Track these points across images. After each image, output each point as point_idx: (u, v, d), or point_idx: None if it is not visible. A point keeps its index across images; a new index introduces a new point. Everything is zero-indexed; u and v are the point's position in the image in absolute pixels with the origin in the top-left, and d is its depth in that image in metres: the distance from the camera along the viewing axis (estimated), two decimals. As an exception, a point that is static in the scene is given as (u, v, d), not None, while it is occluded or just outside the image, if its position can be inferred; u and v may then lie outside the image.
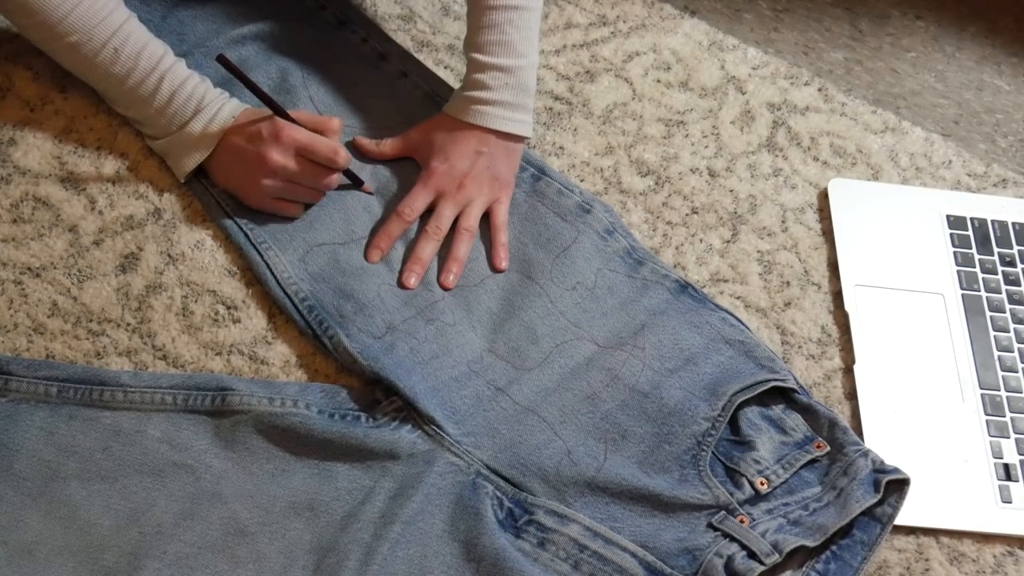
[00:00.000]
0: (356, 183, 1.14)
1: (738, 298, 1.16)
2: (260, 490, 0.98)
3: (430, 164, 1.13)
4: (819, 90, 1.32)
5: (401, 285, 1.09)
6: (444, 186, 1.12)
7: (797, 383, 1.06)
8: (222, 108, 1.08)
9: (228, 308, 1.08)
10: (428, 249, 1.11)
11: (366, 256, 1.11)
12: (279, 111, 1.07)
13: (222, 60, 1.04)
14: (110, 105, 1.14)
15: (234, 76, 1.05)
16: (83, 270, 1.08)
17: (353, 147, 1.17)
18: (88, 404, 1.00)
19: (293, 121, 1.07)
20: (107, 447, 0.98)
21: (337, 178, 1.11)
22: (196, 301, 1.08)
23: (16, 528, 0.94)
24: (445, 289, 1.10)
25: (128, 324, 1.06)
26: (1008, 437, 1.10)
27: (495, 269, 1.12)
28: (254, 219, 1.11)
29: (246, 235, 1.10)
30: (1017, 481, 1.07)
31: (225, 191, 1.11)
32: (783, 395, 1.07)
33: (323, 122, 1.09)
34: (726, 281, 1.17)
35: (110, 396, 1.00)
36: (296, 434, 1.00)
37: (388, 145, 1.16)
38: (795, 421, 1.05)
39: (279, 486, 0.98)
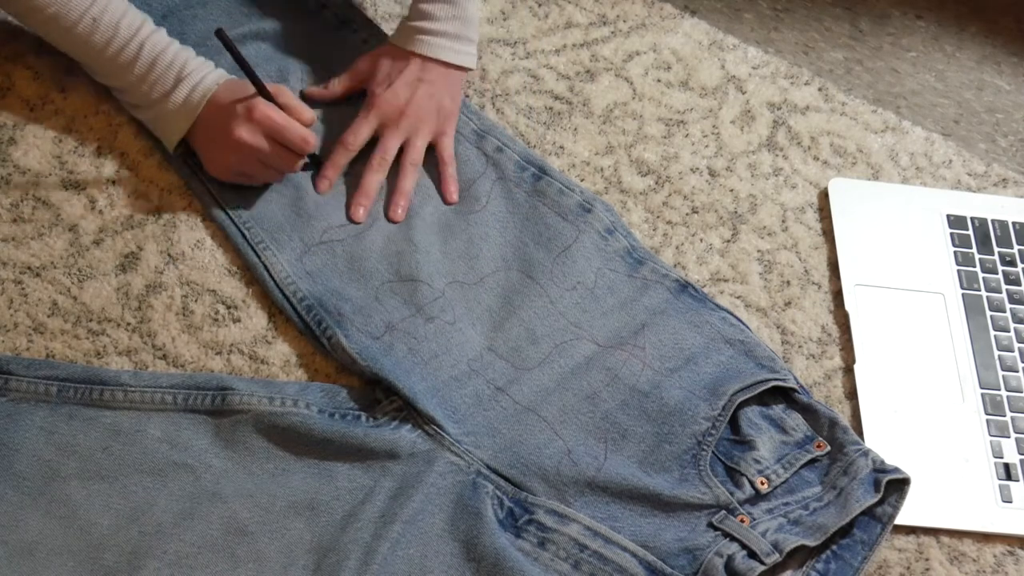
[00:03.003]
0: (317, 165, 1.15)
1: (738, 297, 1.16)
2: (260, 490, 0.98)
3: (374, 91, 1.14)
4: (819, 90, 1.32)
5: (349, 218, 1.11)
6: (387, 114, 1.14)
7: (797, 383, 1.06)
8: (206, 77, 1.08)
9: (228, 307, 1.08)
10: (374, 181, 1.13)
11: (315, 186, 1.13)
12: (262, 90, 1.06)
13: (220, 34, 1.04)
14: (91, 76, 1.13)
15: (227, 50, 1.04)
16: (83, 269, 1.08)
17: (305, 98, 1.18)
18: (88, 404, 1.00)
19: (273, 101, 1.07)
20: (107, 447, 0.98)
21: (301, 163, 1.11)
22: (196, 300, 1.08)
23: (16, 528, 0.94)
24: (393, 222, 1.12)
25: (128, 324, 1.06)
26: (1008, 436, 1.10)
27: (446, 202, 1.14)
28: (251, 216, 1.11)
29: (243, 234, 1.10)
30: (1017, 481, 1.07)
31: (217, 182, 1.12)
32: (783, 395, 1.06)
33: (299, 111, 1.08)
34: (726, 280, 1.17)
35: (110, 396, 1.00)
36: (296, 433, 1.00)
37: (338, 83, 1.18)
38: (795, 421, 1.05)
39: (279, 486, 0.98)
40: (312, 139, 1.08)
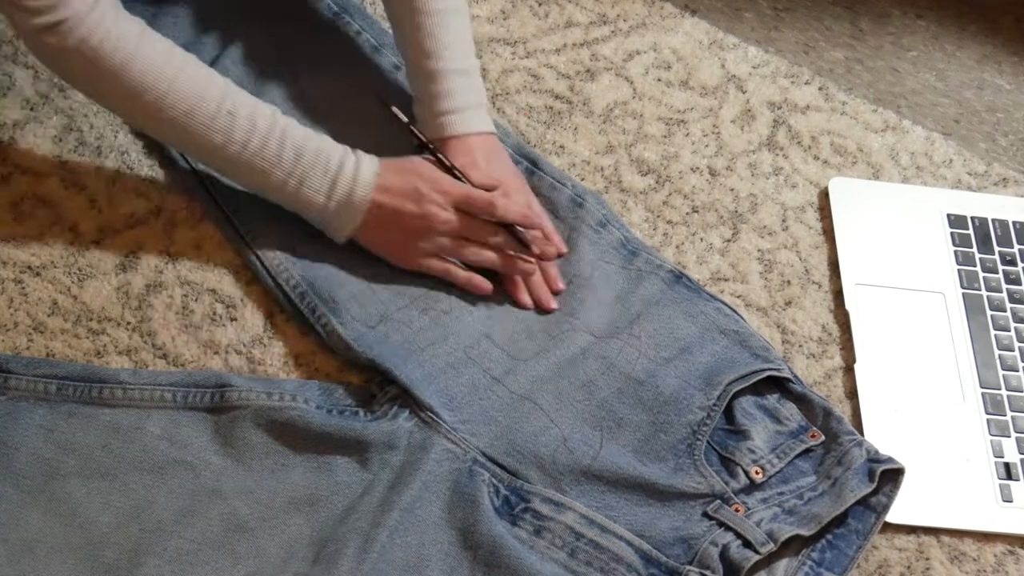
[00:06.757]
0: (524, 245, 1.08)
1: (739, 297, 1.16)
2: (259, 486, 0.98)
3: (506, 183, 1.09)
4: (820, 89, 1.32)
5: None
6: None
7: (791, 372, 1.06)
8: (360, 167, 1.03)
9: (227, 307, 1.08)
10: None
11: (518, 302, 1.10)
12: (446, 165, 1.06)
13: (386, 105, 1.06)
14: (231, 180, 1.08)
15: (397, 128, 1.07)
16: (83, 269, 1.08)
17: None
18: (87, 402, 1.00)
19: (457, 176, 1.06)
20: (107, 444, 0.98)
21: (509, 243, 1.07)
22: (196, 300, 1.08)
23: (16, 526, 0.94)
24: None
25: (128, 323, 1.06)
26: (1009, 436, 1.09)
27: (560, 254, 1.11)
28: (246, 212, 1.10)
29: (235, 228, 1.10)
30: (1018, 480, 1.07)
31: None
32: (778, 385, 1.07)
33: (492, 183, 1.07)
34: (727, 280, 1.17)
35: (109, 394, 1.00)
36: (295, 428, 1.00)
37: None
38: (790, 410, 1.05)
39: (278, 481, 0.98)
40: (509, 208, 1.05)
